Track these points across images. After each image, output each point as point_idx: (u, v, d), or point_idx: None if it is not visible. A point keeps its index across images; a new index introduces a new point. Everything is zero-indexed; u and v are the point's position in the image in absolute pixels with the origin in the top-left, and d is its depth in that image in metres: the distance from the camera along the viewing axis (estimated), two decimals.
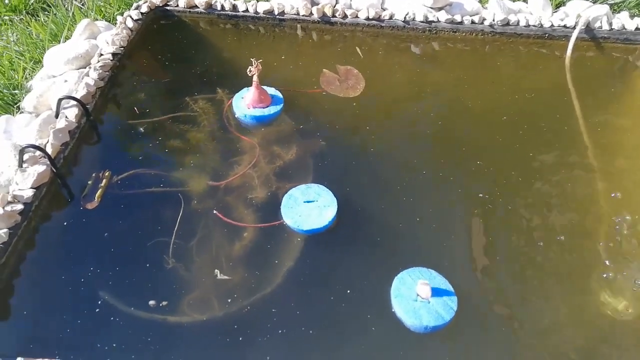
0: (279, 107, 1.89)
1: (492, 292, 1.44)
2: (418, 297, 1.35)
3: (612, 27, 2.26)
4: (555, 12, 2.43)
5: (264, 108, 1.87)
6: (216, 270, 1.43)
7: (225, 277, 1.42)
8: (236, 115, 1.88)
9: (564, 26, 2.27)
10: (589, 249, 1.55)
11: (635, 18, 2.33)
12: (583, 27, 2.24)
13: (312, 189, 1.61)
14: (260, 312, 1.36)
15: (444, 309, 1.33)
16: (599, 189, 1.72)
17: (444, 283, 1.39)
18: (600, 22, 2.27)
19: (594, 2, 2.47)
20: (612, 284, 1.46)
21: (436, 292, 1.35)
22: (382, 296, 1.39)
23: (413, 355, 1.31)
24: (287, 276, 1.44)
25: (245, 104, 1.87)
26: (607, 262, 1.51)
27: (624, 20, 2.30)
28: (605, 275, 1.48)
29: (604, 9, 2.30)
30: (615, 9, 2.55)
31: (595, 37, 2.27)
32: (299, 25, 2.28)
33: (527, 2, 2.45)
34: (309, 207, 1.56)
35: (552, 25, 2.27)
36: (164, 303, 1.36)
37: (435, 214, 1.61)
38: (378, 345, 1.31)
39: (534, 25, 2.26)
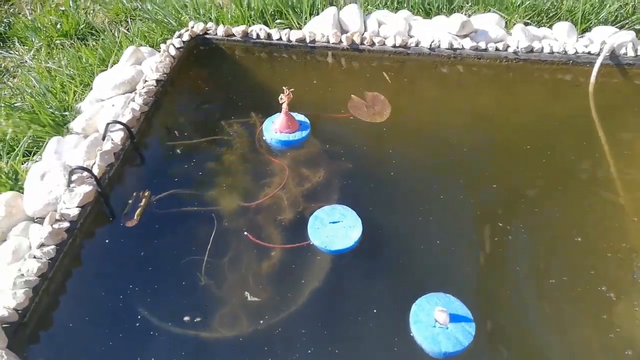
0: (305, 133, 1.98)
1: (510, 317, 1.47)
2: (436, 324, 1.40)
3: (638, 54, 2.27)
4: (581, 37, 2.46)
5: (290, 133, 1.96)
6: (246, 293, 1.51)
7: (255, 299, 1.49)
8: (265, 139, 1.98)
9: (589, 52, 2.30)
10: (613, 278, 1.56)
11: None
12: (607, 54, 2.26)
13: (336, 209, 1.69)
14: (285, 331, 1.43)
15: (462, 335, 1.37)
16: (623, 215, 1.73)
17: (462, 308, 1.43)
18: (626, 49, 2.29)
19: (619, 28, 2.48)
20: (637, 314, 1.47)
21: (454, 317, 1.40)
22: (402, 320, 1.44)
23: None
24: (312, 296, 1.51)
25: (274, 128, 1.97)
26: (631, 292, 1.52)
27: None
28: (632, 305, 1.48)
29: (630, 35, 2.31)
30: None
31: (620, 64, 2.29)
32: (329, 53, 2.38)
33: (552, 29, 2.49)
34: (335, 228, 1.64)
35: (577, 52, 2.30)
36: (198, 319, 1.44)
37: (454, 239, 1.66)
38: None
39: (557, 52, 2.30)
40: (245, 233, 1.66)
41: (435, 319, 1.40)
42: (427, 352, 1.38)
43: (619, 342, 1.42)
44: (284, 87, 1.92)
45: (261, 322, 1.45)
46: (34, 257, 1.49)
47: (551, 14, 2.65)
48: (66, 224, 1.60)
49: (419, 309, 1.44)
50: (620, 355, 1.40)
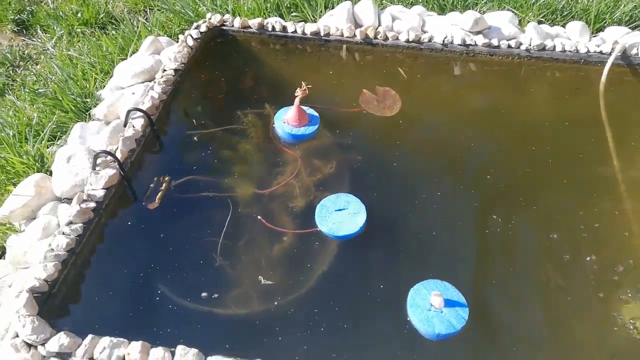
0: (314, 128, 2.04)
1: (503, 304, 1.56)
2: (432, 307, 1.48)
3: None
4: (594, 36, 2.49)
5: (300, 127, 2.02)
6: (260, 277, 1.60)
7: (269, 282, 1.58)
8: (276, 131, 2.05)
9: (600, 52, 2.33)
10: (607, 271, 1.62)
11: None
12: (619, 54, 2.29)
13: (341, 197, 1.77)
14: (292, 310, 1.53)
15: (456, 319, 1.45)
16: (625, 213, 1.79)
17: (456, 295, 1.51)
18: (637, 49, 2.31)
19: (632, 29, 2.50)
20: (627, 303, 1.53)
21: (449, 303, 1.48)
22: (400, 303, 1.53)
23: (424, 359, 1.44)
24: (319, 279, 1.60)
25: (284, 120, 2.05)
26: (623, 284, 1.58)
27: None
28: (621, 296, 1.55)
29: None
30: None
31: (632, 64, 2.32)
32: (343, 46, 2.44)
33: (565, 28, 2.52)
34: (341, 215, 1.72)
35: (588, 51, 2.34)
36: (215, 295, 1.54)
37: (455, 229, 1.74)
38: (393, 348, 1.45)
39: (569, 51, 2.34)
40: (259, 217, 1.75)
41: (430, 303, 1.48)
42: (422, 333, 1.47)
43: (614, 330, 1.48)
44: (302, 82, 1.99)
45: (272, 301, 1.54)
46: (63, 234, 1.59)
47: (565, 13, 2.67)
48: (92, 204, 1.70)
49: (416, 293, 1.52)
50: (615, 342, 1.46)
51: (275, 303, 1.54)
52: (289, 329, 1.49)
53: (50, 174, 1.90)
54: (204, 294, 1.55)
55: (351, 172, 1.91)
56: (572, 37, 2.46)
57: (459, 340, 1.45)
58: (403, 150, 2.00)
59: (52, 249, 1.56)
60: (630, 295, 1.56)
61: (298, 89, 1.99)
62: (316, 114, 2.10)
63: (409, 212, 1.80)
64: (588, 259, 1.65)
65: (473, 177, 1.90)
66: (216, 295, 1.55)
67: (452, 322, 1.45)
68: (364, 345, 1.47)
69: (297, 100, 2.00)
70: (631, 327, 1.49)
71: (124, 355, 1.36)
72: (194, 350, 1.37)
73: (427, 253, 1.68)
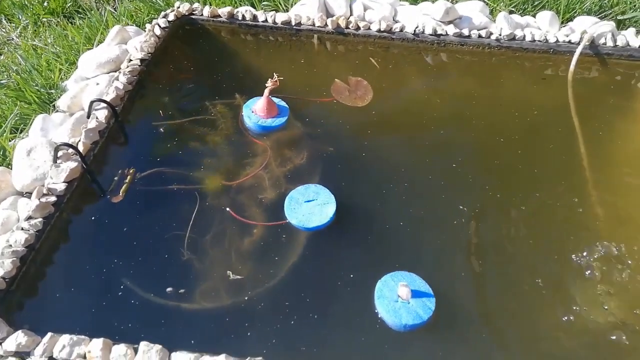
0: (283, 120, 2.00)
1: (470, 295, 1.55)
2: (399, 298, 1.47)
3: (617, 44, 2.33)
4: (564, 26, 2.51)
5: (268, 118, 1.98)
6: (228, 272, 1.57)
7: (238, 276, 1.56)
8: (244, 122, 2.01)
9: (569, 42, 2.35)
10: (574, 259, 1.64)
11: None
12: (587, 44, 2.31)
13: (310, 188, 1.75)
14: (262, 303, 1.51)
15: (423, 309, 1.45)
16: (590, 205, 1.81)
17: (424, 286, 1.50)
18: (605, 39, 2.34)
19: (601, 19, 2.53)
20: (596, 292, 1.55)
21: (416, 294, 1.47)
22: (367, 294, 1.52)
23: (392, 350, 1.43)
24: (289, 271, 1.58)
25: (253, 111, 2.01)
26: (590, 274, 1.60)
27: (629, 37, 2.37)
28: (589, 286, 1.57)
29: (610, 26, 2.36)
30: (625, 24, 2.60)
31: (600, 53, 2.34)
32: (314, 36, 2.41)
33: (535, 17, 2.54)
34: (310, 206, 1.70)
35: (557, 41, 2.35)
36: (182, 291, 1.51)
37: (422, 221, 1.74)
38: (360, 340, 1.44)
39: (539, 41, 2.35)
40: (228, 209, 1.72)
41: (398, 294, 1.47)
42: (389, 324, 1.46)
43: (581, 321, 1.50)
44: (274, 74, 1.95)
45: (240, 295, 1.52)
46: (22, 229, 1.54)
47: (536, 3, 2.69)
48: (53, 198, 1.65)
49: (384, 285, 1.51)
50: (582, 333, 1.48)
51: (243, 297, 1.52)
52: (256, 322, 1.47)
53: (12, 168, 1.84)
54: (169, 289, 1.52)
55: (322, 163, 1.89)
56: (542, 27, 2.47)
57: (425, 331, 1.45)
58: (374, 141, 1.99)
59: (10, 245, 1.50)
60: (599, 284, 1.57)
61: (269, 79, 1.96)
62: (286, 105, 2.06)
63: (378, 203, 1.79)
64: (556, 248, 1.66)
65: (442, 168, 1.90)
66: (182, 290, 1.52)
67: (419, 312, 1.45)
68: (331, 337, 1.46)
69: (266, 91, 1.96)
70: (597, 315, 1.50)
71: (85, 353, 1.32)
72: (158, 347, 1.34)
73: (395, 244, 1.67)
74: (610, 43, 2.34)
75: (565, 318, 1.50)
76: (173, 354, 1.34)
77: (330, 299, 1.53)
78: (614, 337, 1.46)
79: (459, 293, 1.56)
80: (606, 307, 1.52)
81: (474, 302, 1.54)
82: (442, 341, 1.46)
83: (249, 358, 1.33)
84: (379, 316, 1.48)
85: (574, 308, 1.52)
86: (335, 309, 1.51)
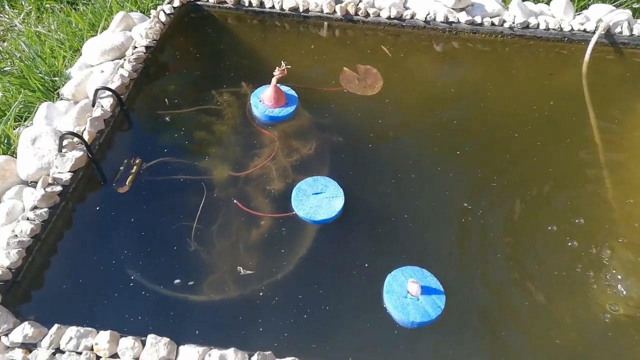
0: (291, 109, 1.96)
1: (481, 293, 1.52)
2: (408, 294, 1.44)
3: (633, 33, 2.27)
4: (578, 14, 2.44)
5: (276, 108, 1.94)
6: (239, 267, 1.54)
7: (249, 272, 1.53)
8: (252, 112, 1.97)
9: (584, 30, 2.29)
10: (589, 255, 1.60)
11: None
12: (603, 33, 2.25)
13: (318, 181, 1.72)
14: (269, 296, 1.49)
15: (432, 307, 1.42)
16: (605, 197, 1.77)
17: (434, 282, 1.47)
18: (621, 28, 2.28)
19: (617, 7, 2.47)
20: (609, 287, 1.52)
21: (426, 290, 1.44)
22: (375, 290, 1.49)
23: (398, 347, 1.40)
24: (296, 264, 1.56)
25: (260, 100, 1.97)
26: (607, 269, 1.56)
27: None
28: (603, 281, 1.54)
29: (626, 14, 2.30)
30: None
31: (615, 43, 2.28)
32: (323, 23, 2.36)
33: (549, 5, 2.47)
34: (318, 199, 1.67)
35: (572, 30, 2.29)
36: (191, 283, 1.49)
37: (433, 215, 1.70)
38: (367, 335, 1.42)
39: (553, 29, 2.29)
40: (235, 201, 1.69)
41: (407, 290, 1.45)
42: (397, 320, 1.44)
43: (598, 317, 1.47)
44: (282, 62, 1.91)
45: (248, 287, 1.50)
46: (27, 219, 1.52)
47: None
48: (59, 188, 1.62)
49: (393, 279, 1.49)
50: (599, 329, 1.45)
51: (251, 289, 1.50)
52: (264, 315, 1.45)
53: (17, 156, 1.81)
54: (177, 281, 1.50)
55: (330, 154, 1.86)
56: (557, 15, 2.41)
57: (433, 329, 1.42)
58: (384, 131, 1.95)
59: (16, 235, 1.48)
60: (611, 279, 1.54)
61: (277, 68, 1.91)
62: (295, 94, 2.02)
63: (388, 195, 1.75)
64: (569, 244, 1.63)
65: (455, 160, 1.86)
66: (192, 283, 1.50)
67: (427, 310, 1.42)
68: (339, 331, 1.44)
69: (274, 80, 1.92)
70: (612, 310, 1.48)
71: (92, 345, 1.31)
72: (166, 339, 1.32)
73: (406, 239, 1.64)
74: (626, 32, 2.28)
75: (582, 315, 1.47)
76: (181, 347, 1.32)
77: (338, 293, 1.51)
78: (634, 332, 1.43)
79: (471, 292, 1.52)
80: (626, 301, 1.49)
81: (486, 302, 1.50)
82: (449, 340, 1.42)
83: (258, 352, 1.31)
84: (387, 311, 1.45)
85: (592, 305, 1.49)
86: (343, 303, 1.49)
